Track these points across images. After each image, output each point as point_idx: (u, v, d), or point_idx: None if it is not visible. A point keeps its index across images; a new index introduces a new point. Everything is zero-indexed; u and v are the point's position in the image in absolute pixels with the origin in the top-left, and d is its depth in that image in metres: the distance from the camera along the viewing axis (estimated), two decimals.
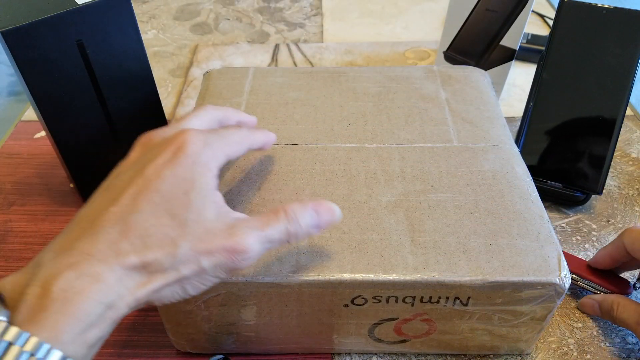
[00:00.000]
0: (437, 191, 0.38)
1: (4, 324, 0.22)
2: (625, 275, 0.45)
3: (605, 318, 0.41)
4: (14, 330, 0.21)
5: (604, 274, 0.43)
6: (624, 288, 0.42)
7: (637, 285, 0.43)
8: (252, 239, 0.27)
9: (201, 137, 0.29)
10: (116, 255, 0.24)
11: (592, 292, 0.43)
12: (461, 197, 0.37)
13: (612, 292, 0.42)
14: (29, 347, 0.21)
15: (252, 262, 0.28)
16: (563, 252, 0.36)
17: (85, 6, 0.39)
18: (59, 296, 0.23)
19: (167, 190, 0.26)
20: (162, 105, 0.51)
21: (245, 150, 0.32)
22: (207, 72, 0.50)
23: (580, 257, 0.47)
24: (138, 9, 0.86)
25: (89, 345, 0.24)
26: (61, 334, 0.22)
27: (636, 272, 0.44)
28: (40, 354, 0.21)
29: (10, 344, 0.21)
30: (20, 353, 0.21)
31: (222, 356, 0.39)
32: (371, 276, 0.33)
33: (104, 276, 0.24)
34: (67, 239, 0.25)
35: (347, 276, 0.33)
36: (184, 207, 0.26)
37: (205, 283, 0.27)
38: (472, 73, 0.50)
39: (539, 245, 0.34)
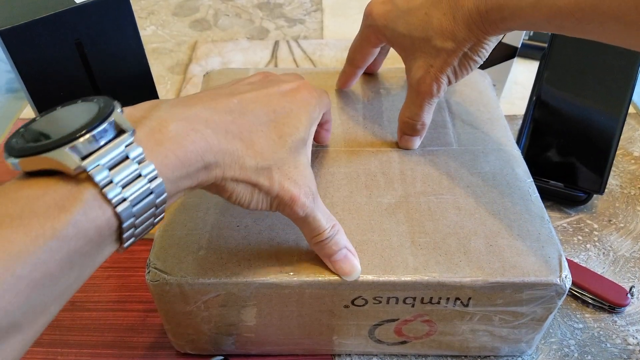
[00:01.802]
0: (437, 193, 0.38)
1: (129, 136, 0.23)
2: (622, 282, 0.45)
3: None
4: (133, 145, 0.23)
5: (599, 282, 0.43)
6: (620, 296, 0.42)
7: (634, 292, 0.43)
8: (309, 204, 0.30)
9: (316, 95, 0.34)
10: (225, 133, 0.27)
11: (585, 301, 0.43)
12: (461, 198, 0.37)
13: (607, 302, 0.42)
14: (140, 164, 0.23)
15: (295, 215, 0.30)
16: None
17: (83, 5, 0.39)
18: (173, 137, 0.24)
19: (281, 114, 0.30)
20: None
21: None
22: (207, 73, 0.50)
23: (581, 256, 0.47)
24: (137, 5, 0.86)
25: (175, 193, 0.25)
26: (166, 169, 0.24)
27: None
28: (145, 173, 0.23)
29: (127, 156, 0.22)
30: (130, 165, 0.22)
31: (222, 357, 0.39)
32: (371, 277, 0.33)
33: (211, 140, 0.26)
34: (187, 101, 0.28)
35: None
36: (289, 135, 0.30)
37: (263, 203, 0.30)
38: (473, 74, 0.49)
39: (540, 246, 0.34)
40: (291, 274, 0.33)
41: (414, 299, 0.34)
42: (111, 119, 0.22)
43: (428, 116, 0.40)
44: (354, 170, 0.40)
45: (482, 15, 0.33)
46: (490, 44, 0.36)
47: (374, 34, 0.41)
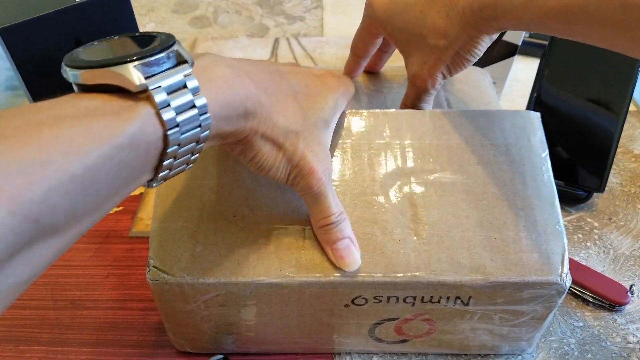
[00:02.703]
0: (446, 171, 0.36)
1: (189, 66, 0.24)
2: (622, 281, 0.45)
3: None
4: (191, 76, 0.24)
5: (599, 280, 0.43)
6: (620, 295, 0.42)
7: (634, 290, 0.43)
8: (325, 181, 0.31)
9: (342, 85, 0.37)
10: (265, 89, 0.29)
11: (586, 299, 0.43)
12: (470, 180, 0.36)
13: (607, 300, 0.42)
14: (194, 95, 0.24)
15: (309, 190, 0.31)
16: None
17: (83, 3, 0.38)
18: (222, 77, 0.26)
19: (312, 91, 0.33)
20: None
21: None
22: None
23: (581, 255, 0.47)
24: (136, 2, 0.85)
25: (214, 135, 0.26)
26: (214, 106, 0.25)
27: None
28: (199, 104, 0.24)
29: (184, 85, 0.23)
30: (186, 94, 0.23)
31: (222, 356, 0.39)
32: (372, 276, 0.33)
33: (253, 90, 0.27)
34: (231, 58, 0.29)
35: (347, 276, 0.33)
36: (315, 111, 0.32)
37: (282, 172, 0.31)
38: (473, 72, 0.49)
39: (545, 240, 0.34)
40: (291, 273, 0.33)
41: (414, 298, 0.34)
42: (174, 48, 0.24)
43: (427, 106, 0.41)
44: (356, 161, 0.39)
45: (476, 13, 0.34)
46: (484, 44, 0.36)
47: (373, 25, 0.41)
